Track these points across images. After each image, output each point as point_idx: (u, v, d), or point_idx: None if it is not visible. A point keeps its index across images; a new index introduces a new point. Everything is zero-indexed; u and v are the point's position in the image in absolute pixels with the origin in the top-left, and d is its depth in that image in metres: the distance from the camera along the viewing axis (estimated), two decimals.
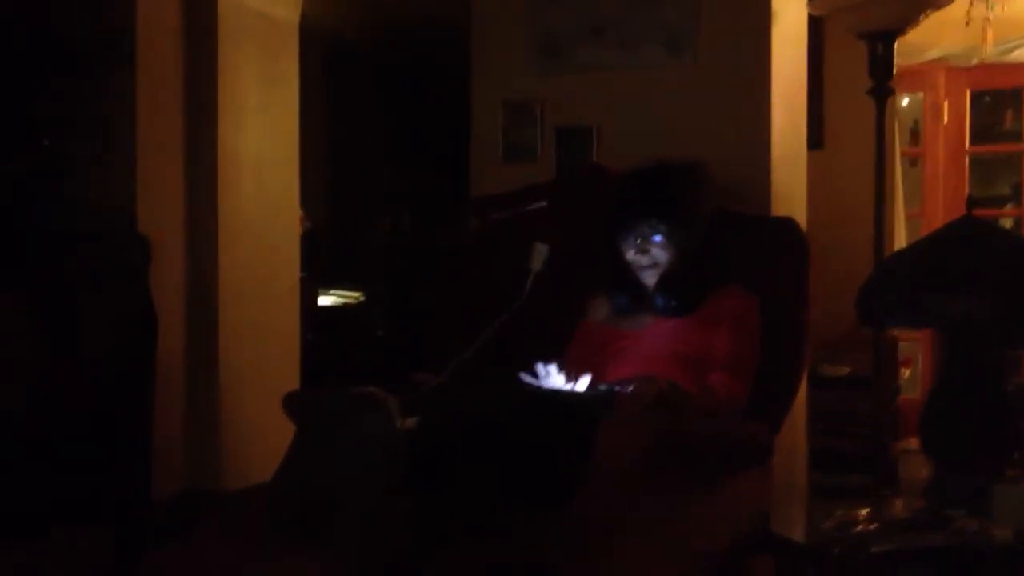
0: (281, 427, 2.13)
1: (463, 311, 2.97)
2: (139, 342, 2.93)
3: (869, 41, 3.11)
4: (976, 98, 5.16)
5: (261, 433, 3.48)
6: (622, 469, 1.84)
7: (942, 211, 4.91)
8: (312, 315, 4.61)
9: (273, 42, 3.87)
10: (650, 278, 2.46)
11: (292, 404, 2.19)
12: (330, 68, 5.60)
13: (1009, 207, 5.45)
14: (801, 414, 3.09)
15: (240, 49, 3.70)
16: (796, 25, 3.18)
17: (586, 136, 3.16)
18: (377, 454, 1.80)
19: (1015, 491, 2.03)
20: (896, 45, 3.13)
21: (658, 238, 2.41)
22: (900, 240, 4.62)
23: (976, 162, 5.24)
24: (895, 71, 3.16)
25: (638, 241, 2.42)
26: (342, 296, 5.32)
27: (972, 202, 2.60)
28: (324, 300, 5.21)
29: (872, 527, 1.99)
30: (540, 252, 2.68)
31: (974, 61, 4.88)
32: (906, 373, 4.52)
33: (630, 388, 2.17)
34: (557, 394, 2.16)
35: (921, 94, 5.18)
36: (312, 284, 4.77)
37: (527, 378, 2.18)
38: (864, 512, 2.08)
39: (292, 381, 3.87)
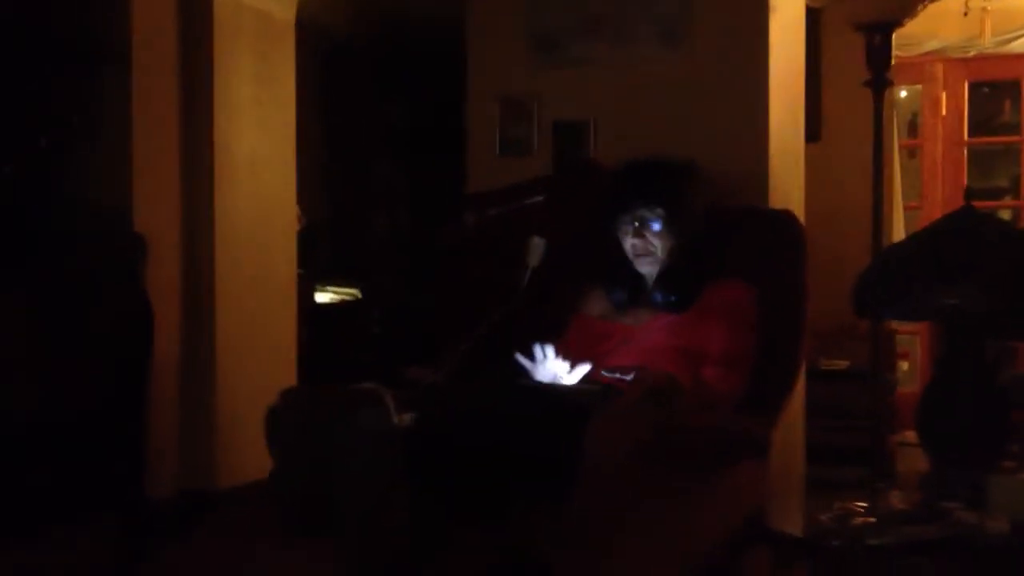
0: None
1: (460, 307, 2.97)
2: (135, 339, 2.94)
3: (867, 33, 3.11)
4: (974, 89, 5.15)
5: (257, 431, 3.47)
6: (617, 462, 1.84)
7: (940, 203, 4.91)
8: (308, 312, 4.60)
9: (269, 39, 3.87)
10: (646, 267, 2.46)
11: (289, 401, 2.19)
12: (326, 65, 5.59)
13: (1007, 199, 5.45)
14: (799, 407, 3.08)
15: (236, 46, 3.69)
16: (793, 17, 3.17)
17: (582, 130, 3.16)
18: (374, 450, 1.80)
19: (1011, 483, 2.03)
20: (894, 37, 3.13)
21: (655, 225, 2.42)
22: (898, 232, 4.62)
23: (974, 154, 5.24)
24: (893, 63, 3.16)
25: (635, 225, 2.43)
26: (338, 293, 5.32)
27: (970, 194, 2.60)
28: (320, 297, 5.21)
29: (869, 520, 1.99)
30: (537, 247, 2.68)
31: (972, 52, 4.87)
32: (904, 366, 4.53)
33: (629, 376, 2.17)
34: (552, 388, 2.16)
35: (919, 86, 5.18)
36: (308, 281, 4.76)
37: (523, 360, 2.19)
38: (861, 505, 2.08)
39: (289, 378, 3.87)
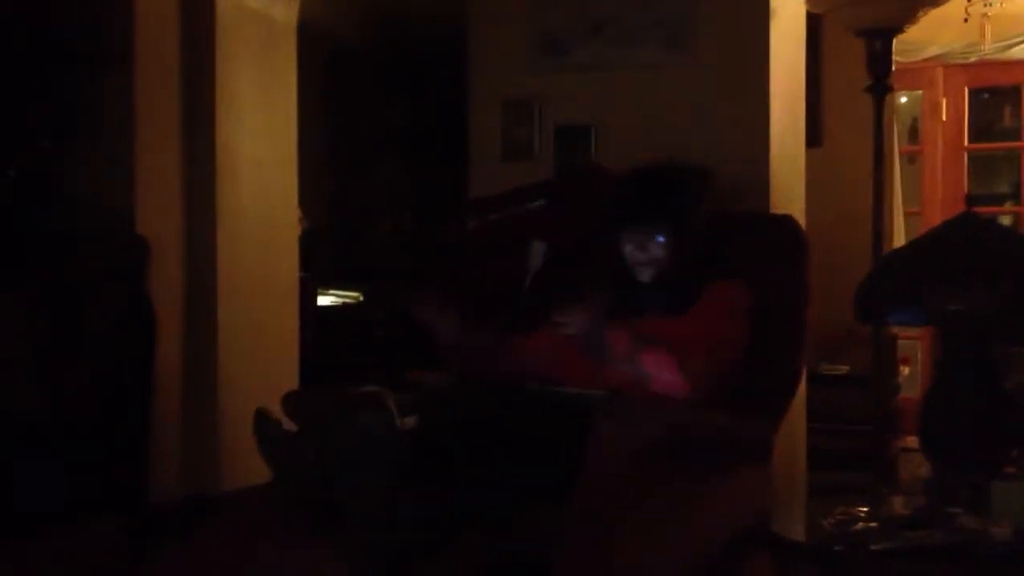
0: None
1: (462, 310, 2.96)
2: (137, 342, 2.93)
3: (867, 38, 3.11)
4: (975, 95, 5.16)
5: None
6: (620, 464, 1.84)
7: (940, 209, 4.92)
8: (311, 315, 4.60)
9: (271, 41, 3.87)
10: (646, 276, 2.46)
11: (291, 404, 2.19)
12: (329, 67, 5.60)
13: (1008, 205, 5.46)
14: (800, 412, 3.09)
15: (238, 48, 3.69)
16: (795, 22, 3.18)
17: (585, 134, 3.16)
18: (377, 453, 1.80)
19: (1014, 488, 2.03)
20: (894, 42, 3.13)
21: (659, 238, 2.41)
22: (899, 238, 4.62)
23: (975, 159, 5.25)
24: (893, 68, 3.16)
25: (638, 240, 2.42)
26: (341, 296, 5.32)
27: (971, 200, 2.60)
28: (323, 300, 5.21)
29: (871, 525, 1.99)
30: (539, 251, 2.68)
31: (973, 58, 4.88)
32: (905, 371, 4.53)
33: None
34: (554, 391, 2.16)
35: (920, 91, 5.19)
36: (311, 284, 4.77)
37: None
38: (863, 510, 2.08)
39: (291, 381, 3.87)
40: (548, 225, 2.86)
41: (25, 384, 2.70)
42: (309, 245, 4.44)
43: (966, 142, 5.09)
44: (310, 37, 4.33)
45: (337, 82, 5.67)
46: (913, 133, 5.47)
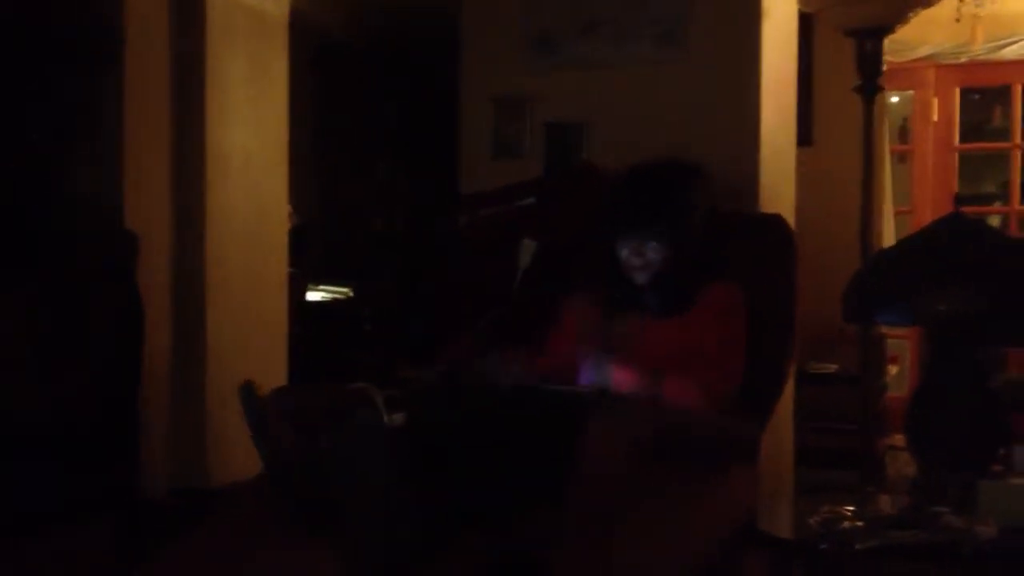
0: None
1: (452, 307, 2.97)
2: (126, 338, 2.93)
3: (858, 38, 3.11)
4: (965, 95, 5.17)
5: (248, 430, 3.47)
6: (611, 462, 1.84)
7: (930, 208, 4.92)
8: (300, 311, 4.60)
9: (262, 37, 3.86)
10: (642, 278, 2.45)
11: (281, 401, 2.19)
12: (319, 63, 5.59)
13: (997, 205, 5.47)
14: (788, 411, 3.09)
15: (229, 44, 3.69)
16: (786, 21, 3.18)
17: (576, 132, 3.16)
18: (367, 450, 1.80)
19: (1000, 487, 2.04)
20: (885, 42, 3.14)
21: (654, 242, 2.39)
22: (888, 237, 4.63)
23: (964, 159, 5.26)
24: (884, 68, 3.17)
25: (633, 243, 2.41)
26: (330, 292, 5.32)
27: (960, 200, 2.61)
28: (312, 296, 5.21)
29: (858, 524, 1.99)
30: (529, 249, 2.67)
31: (964, 58, 4.89)
32: (893, 370, 4.54)
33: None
34: (546, 388, 2.16)
35: (911, 91, 5.20)
36: (300, 280, 4.76)
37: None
38: (850, 509, 2.08)
39: (280, 376, 3.87)
40: (539, 223, 2.86)
41: (25, 384, 2.69)
42: (299, 241, 4.43)
43: (956, 142, 5.11)
44: (301, 33, 4.32)
45: (328, 79, 5.66)
46: (904, 133, 5.48)
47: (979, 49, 4.74)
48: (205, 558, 1.90)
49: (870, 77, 3.11)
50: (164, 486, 3.44)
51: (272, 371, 3.82)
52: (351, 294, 5.36)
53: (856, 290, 2.42)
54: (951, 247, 2.32)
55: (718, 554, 2.11)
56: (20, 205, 3.03)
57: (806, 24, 3.61)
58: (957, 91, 5.09)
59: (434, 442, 1.91)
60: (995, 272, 2.26)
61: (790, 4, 3.18)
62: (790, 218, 2.91)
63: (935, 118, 5.09)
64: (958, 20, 4.46)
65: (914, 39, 4.70)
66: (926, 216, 4.74)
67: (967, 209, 2.55)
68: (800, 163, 3.33)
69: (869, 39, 3.09)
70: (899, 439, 3.25)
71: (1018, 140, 5.03)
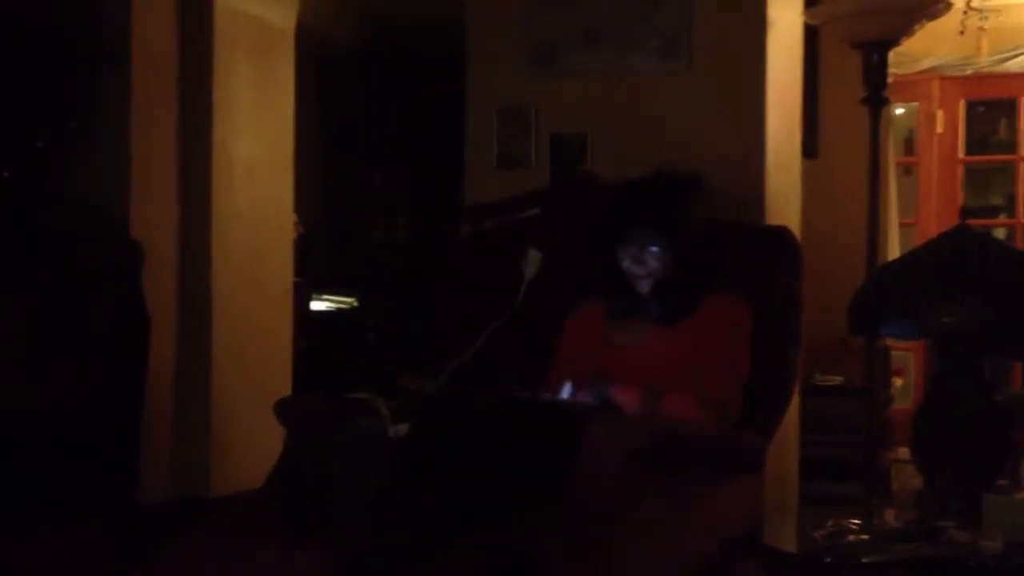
0: (272, 432, 2.12)
1: (456, 317, 2.96)
2: (131, 345, 2.93)
3: (863, 51, 3.12)
4: (970, 108, 5.17)
5: (252, 438, 3.48)
6: (609, 465, 1.85)
7: (935, 221, 4.92)
8: (304, 320, 4.60)
9: (268, 47, 3.87)
10: (644, 286, 2.46)
11: (284, 410, 2.19)
12: (325, 73, 5.60)
13: (1002, 217, 5.47)
14: (793, 423, 3.09)
15: (235, 53, 3.70)
16: (791, 33, 3.18)
17: (580, 143, 3.16)
18: (370, 459, 1.80)
19: (1005, 501, 2.03)
20: (890, 54, 3.14)
21: (655, 249, 2.41)
22: (893, 249, 4.63)
23: (970, 172, 5.26)
24: (889, 80, 3.17)
25: (635, 252, 2.42)
26: (335, 301, 5.32)
27: (965, 212, 2.60)
28: (317, 305, 5.21)
29: (863, 537, 1.99)
30: (533, 259, 2.67)
31: (969, 71, 4.90)
32: (898, 383, 4.52)
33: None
34: (545, 400, 2.16)
35: (916, 103, 5.20)
36: (305, 289, 4.77)
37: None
38: (855, 522, 2.07)
39: (284, 386, 3.87)
40: (543, 233, 2.86)
41: (25, 384, 2.70)
42: (304, 250, 4.44)
43: (961, 154, 5.11)
44: (307, 42, 4.34)
45: (334, 88, 5.68)
46: (909, 145, 5.48)
47: (984, 61, 4.75)
48: (204, 558, 1.90)
49: (875, 89, 3.11)
50: (165, 492, 3.44)
51: (277, 380, 3.82)
52: (355, 303, 5.37)
53: (861, 302, 2.41)
54: (956, 259, 2.31)
55: (715, 563, 2.11)
56: (21, 205, 3.03)
57: (811, 36, 3.61)
58: (962, 103, 5.09)
59: (434, 451, 1.91)
60: (1001, 284, 2.25)
61: (795, 15, 3.19)
62: (796, 230, 2.91)
63: (940, 130, 5.09)
64: (963, 32, 4.48)
65: (919, 51, 4.70)
66: (931, 228, 4.74)
67: (973, 221, 2.54)
68: (805, 175, 3.33)
69: (874, 51, 3.09)
70: (904, 452, 3.25)
71: (1023, 152, 5.03)
